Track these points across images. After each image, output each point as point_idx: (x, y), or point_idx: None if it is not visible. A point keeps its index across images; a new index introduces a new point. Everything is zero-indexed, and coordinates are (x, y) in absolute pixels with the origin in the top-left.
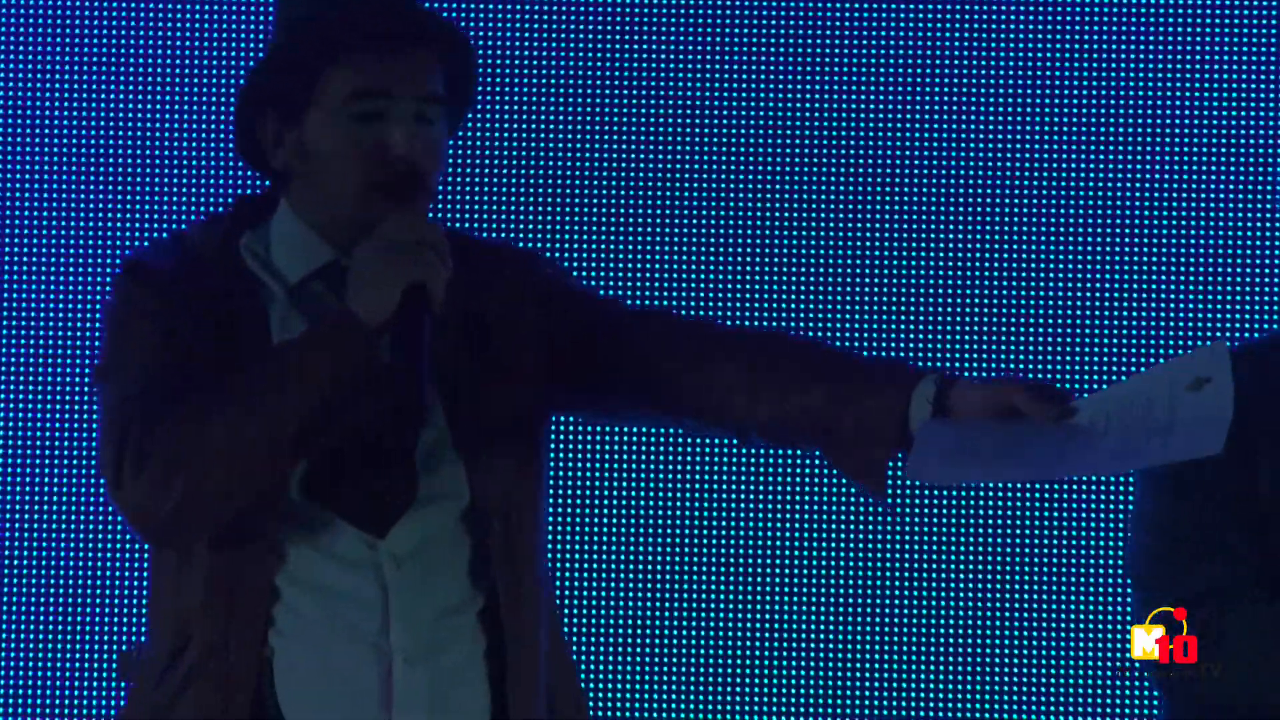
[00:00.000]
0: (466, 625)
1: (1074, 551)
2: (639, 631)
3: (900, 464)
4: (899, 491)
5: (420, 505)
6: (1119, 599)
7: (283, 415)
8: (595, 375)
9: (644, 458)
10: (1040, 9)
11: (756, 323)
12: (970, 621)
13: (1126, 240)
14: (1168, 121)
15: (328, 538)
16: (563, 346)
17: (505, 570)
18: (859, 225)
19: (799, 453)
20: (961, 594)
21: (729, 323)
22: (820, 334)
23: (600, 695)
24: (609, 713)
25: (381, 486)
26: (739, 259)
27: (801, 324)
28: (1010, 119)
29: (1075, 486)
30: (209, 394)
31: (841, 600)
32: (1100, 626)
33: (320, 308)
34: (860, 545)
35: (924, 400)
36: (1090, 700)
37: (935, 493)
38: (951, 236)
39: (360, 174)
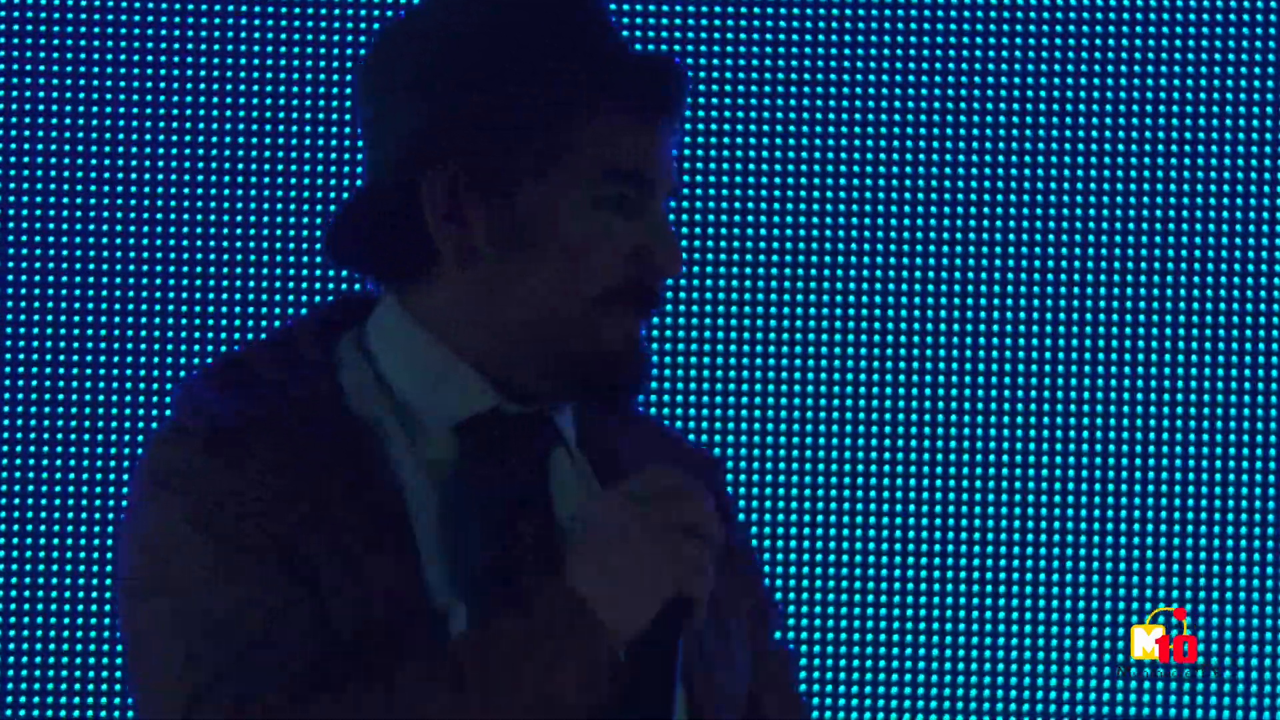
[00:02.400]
0: None
1: (1074, 551)
2: None
3: None
4: (896, 489)
5: None
6: (1119, 599)
7: None
8: None
9: None
10: (1043, 10)
11: (747, 328)
12: (969, 620)
13: (1129, 242)
14: (1172, 123)
15: None
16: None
17: None
18: (856, 226)
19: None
20: (960, 593)
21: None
22: (820, 336)
23: None
24: None
25: None
26: (734, 259)
27: (800, 325)
28: (1014, 121)
29: (1075, 485)
30: (349, 679)
31: (839, 599)
32: (1100, 626)
33: (491, 524)
34: (859, 544)
35: None
36: (1090, 700)
37: (933, 491)
38: (952, 238)
39: (606, 281)
